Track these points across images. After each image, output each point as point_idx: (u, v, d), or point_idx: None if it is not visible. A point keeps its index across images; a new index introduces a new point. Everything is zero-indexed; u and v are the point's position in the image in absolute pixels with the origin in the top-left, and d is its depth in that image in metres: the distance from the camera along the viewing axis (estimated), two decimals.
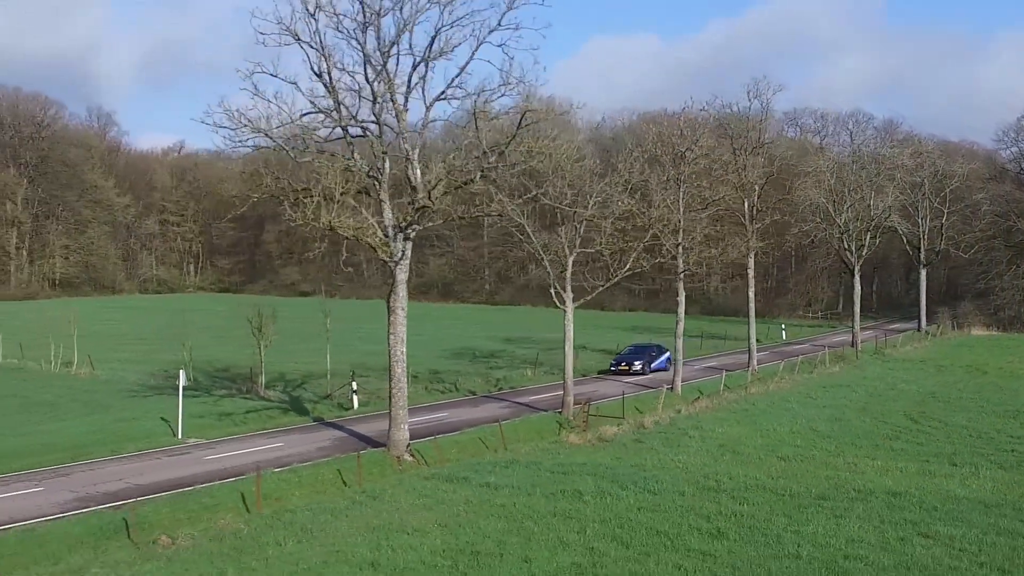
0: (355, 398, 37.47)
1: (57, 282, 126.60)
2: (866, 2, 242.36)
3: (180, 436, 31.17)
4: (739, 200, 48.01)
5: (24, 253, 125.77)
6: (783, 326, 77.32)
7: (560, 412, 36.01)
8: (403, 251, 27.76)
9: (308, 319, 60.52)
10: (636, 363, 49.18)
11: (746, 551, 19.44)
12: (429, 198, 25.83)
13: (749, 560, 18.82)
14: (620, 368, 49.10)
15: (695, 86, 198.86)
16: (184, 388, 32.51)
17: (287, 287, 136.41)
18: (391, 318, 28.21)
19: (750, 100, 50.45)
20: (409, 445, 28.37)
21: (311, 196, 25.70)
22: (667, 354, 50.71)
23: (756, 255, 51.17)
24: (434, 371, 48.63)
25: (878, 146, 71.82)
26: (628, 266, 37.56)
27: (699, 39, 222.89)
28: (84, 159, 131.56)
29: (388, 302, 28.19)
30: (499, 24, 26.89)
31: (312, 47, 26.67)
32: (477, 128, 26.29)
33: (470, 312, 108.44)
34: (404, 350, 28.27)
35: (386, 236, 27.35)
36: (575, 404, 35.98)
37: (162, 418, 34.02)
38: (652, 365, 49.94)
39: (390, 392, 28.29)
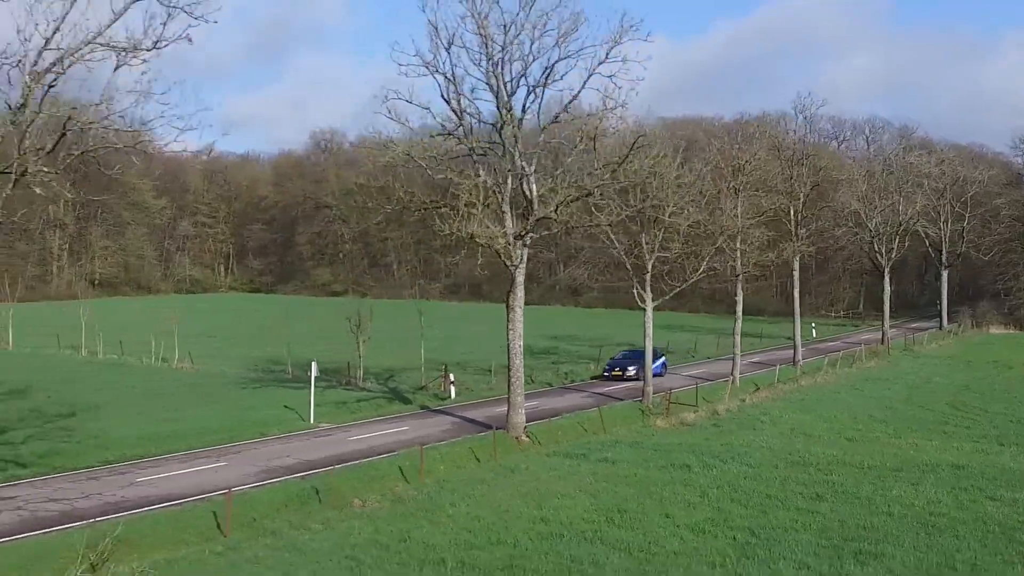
0: (452, 388, 41.46)
1: (97, 282, 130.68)
2: (872, 2, 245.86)
3: (312, 421, 35.12)
4: (786, 207, 51.90)
5: (66, 255, 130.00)
6: (813, 325, 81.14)
7: (640, 400, 39.94)
8: (522, 256, 31.74)
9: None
10: (631, 368, 47.18)
11: (845, 509, 23.39)
12: (556, 211, 29.85)
13: (850, 516, 22.75)
14: (613, 374, 47.62)
15: (702, 87, 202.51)
16: (290, 380, 36.39)
17: (319, 287, 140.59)
18: (510, 315, 32.25)
19: (796, 115, 54.32)
20: (525, 427, 32.33)
21: (451, 207, 29.68)
22: (663, 359, 49.44)
23: (791, 258, 54.82)
24: (504, 365, 52.46)
25: (902, 153, 75.48)
26: (702, 269, 41.51)
27: (705, 39, 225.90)
28: (124, 162, 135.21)
29: (508, 301, 32.22)
30: (607, 57, 30.81)
31: (445, 77, 30.59)
32: (595, 148, 30.30)
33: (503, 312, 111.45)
34: (521, 344, 32.28)
35: (508, 243, 31.32)
36: (655, 394, 39.93)
37: (285, 406, 37.97)
38: None
39: (509, 380, 32.30)
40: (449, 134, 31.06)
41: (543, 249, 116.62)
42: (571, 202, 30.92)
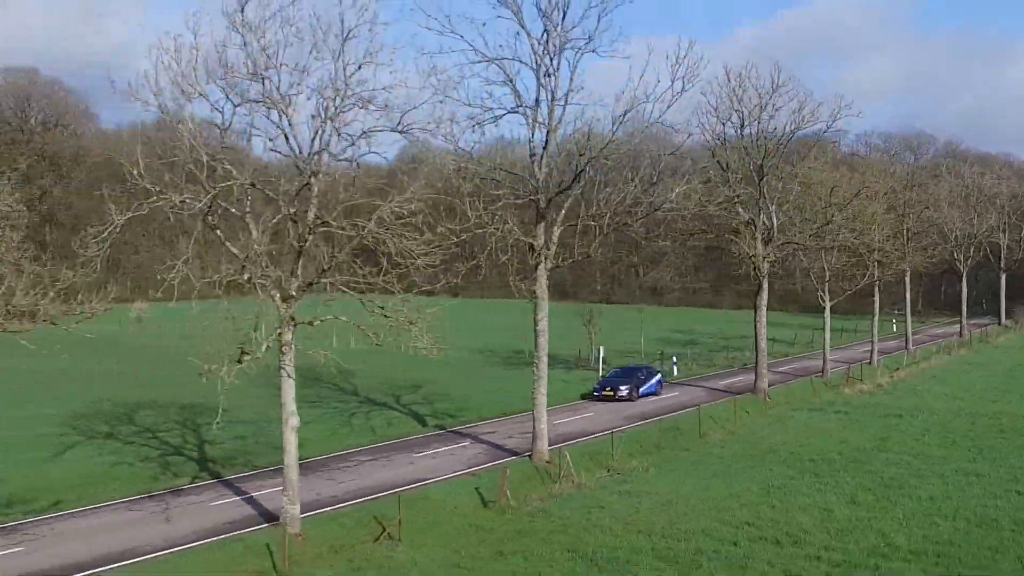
0: (675, 368, 54.96)
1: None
2: (894, 5, 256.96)
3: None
4: (900, 222, 65.08)
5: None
6: (893, 321, 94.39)
7: (819, 376, 53.33)
8: (765, 270, 45.13)
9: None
10: (622, 388, 45.63)
11: (1021, 439, 36.80)
12: (797, 237, 43.39)
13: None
14: (604, 393, 45.95)
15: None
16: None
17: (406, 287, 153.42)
18: (757, 314, 45.78)
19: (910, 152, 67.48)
20: (766, 391, 45.79)
21: (716, 235, 43.13)
22: (657, 377, 48.76)
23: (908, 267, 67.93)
24: (660, 353, 65.75)
25: (977, 177, 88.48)
26: (867, 275, 54.92)
27: (730, 42, 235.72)
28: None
29: (755, 302, 45.71)
30: (827, 129, 44.14)
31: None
32: (830, 199, 43.83)
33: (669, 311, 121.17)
34: (765, 331, 45.72)
35: (762, 259, 44.69)
36: (831, 371, 53.41)
37: (562, 380, 51.12)
38: (641, 389, 46.62)
39: (756, 357, 45.80)
40: (728, 185, 43.81)
41: (627, 253, 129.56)
42: (811, 235, 44.37)
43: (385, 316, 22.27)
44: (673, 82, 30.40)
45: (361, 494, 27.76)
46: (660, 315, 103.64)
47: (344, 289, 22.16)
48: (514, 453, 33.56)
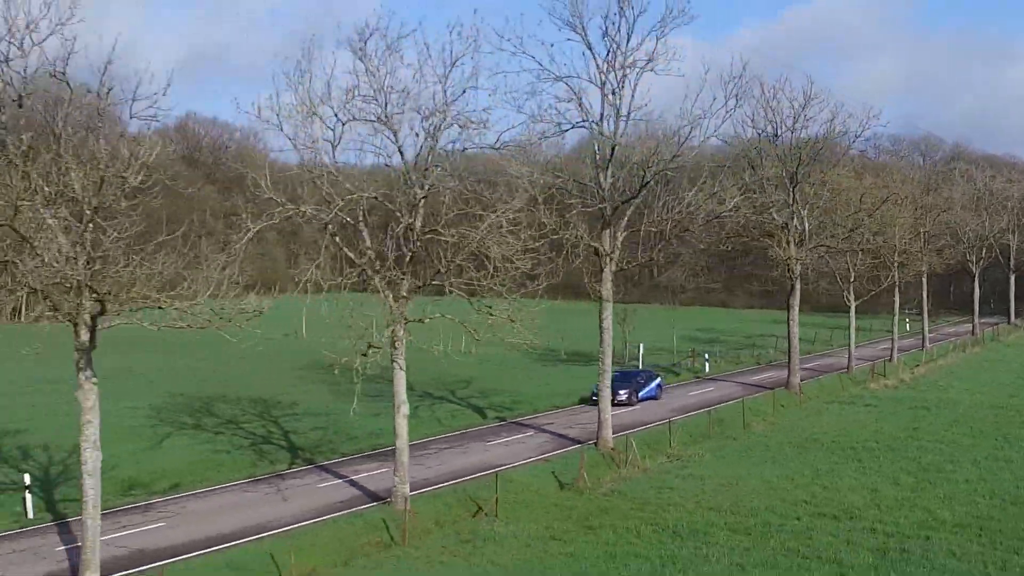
0: (707, 364, 57.67)
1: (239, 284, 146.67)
2: (894, 5, 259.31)
3: None
4: (918, 225, 67.78)
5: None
6: (907, 320, 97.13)
7: (845, 372, 56.00)
8: (797, 272, 47.83)
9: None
10: (621, 392, 44.18)
11: None
12: (828, 240, 46.10)
13: None
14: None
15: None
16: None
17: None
18: (790, 313, 48.44)
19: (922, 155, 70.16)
20: (799, 386, 48.50)
21: (750, 238, 45.84)
22: (657, 380, 48.19)
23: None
24: (692, 350, 68.44)
25: (988, 181, 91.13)
26: (890, 276, 57.59)
27: (734, 41, 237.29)
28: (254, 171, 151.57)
29: (789, 301, 48.38)
30: (853, 142, 46.81)
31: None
32: (860, 206, 46.52)
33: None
34: (797, 331, 48.40)
35: (796, 261, 47.37)
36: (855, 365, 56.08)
37: None
38: (640, 394, 46.11)
39: (789, 354, 48.48)
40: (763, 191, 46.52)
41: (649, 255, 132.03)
42: (843, 238, 47.13)
43: (490, 315, 24.95)
44: (727, 100, 33.14)
45: (450, 477, 30.48)
46: (676, 315, 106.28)
47: (457, 291, 24.86)
48: (577, 441, 36.26)
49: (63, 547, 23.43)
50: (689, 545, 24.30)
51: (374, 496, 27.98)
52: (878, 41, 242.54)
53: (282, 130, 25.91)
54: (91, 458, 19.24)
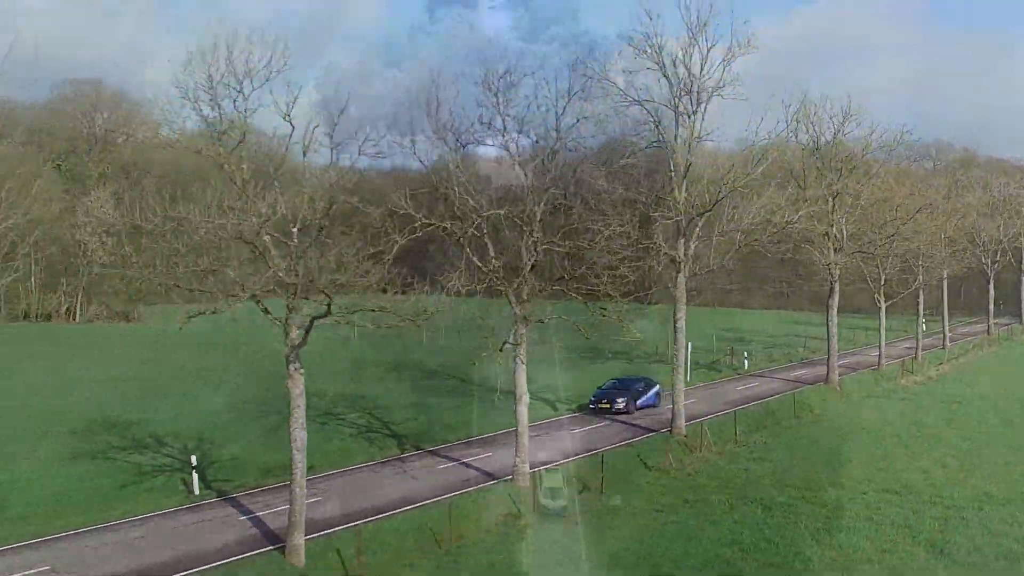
0: (746, 362, 61.52)
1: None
2: (901, 6, 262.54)
3: (690, 379, 54.85)
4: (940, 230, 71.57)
5: None
6: (923, 321, 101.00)
7: (875, 369, 59.84)
8: (835, 274, 51.68)
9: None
10: (619, 400, 44.45)
11: None
12: (867, 247, 49.94)
13: None
14: (600, 405, 44.64)
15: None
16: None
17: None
18: (829, 313, 52.29)
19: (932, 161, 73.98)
20: (837, 381, 52.35)
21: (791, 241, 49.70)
22: (656, 388, 47.64)
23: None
24: (731, 348, 72.18)
25: (1002, 187, 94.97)
26: (916, 280, 61.42)
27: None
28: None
29: (828, 302, 52.21)
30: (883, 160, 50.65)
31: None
32: (897, 212, 50.33)
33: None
34: (836, 331, 52.24)
35: (834, 265, 51.20)
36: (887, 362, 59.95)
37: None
38: (639, 401, 45.61)
39: (828, 350, 52.36)
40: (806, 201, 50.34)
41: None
42: (881, 244, 51.07)
43: (603, 315, 28.84)
44: (788, 123, 37.04)
45: (553, 459, 34.33)
46: (702, 315, 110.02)
47: (574, 295, 28.76)
48: (650, 430, 40.13)
49: (243, 516, 27.28)
50: (776, 515, 28.24)
51: (490, 475, 31.83)
52: (884, 43, 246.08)
53: (415, 153, 29.75)
54: (299, 437, 23.11)
